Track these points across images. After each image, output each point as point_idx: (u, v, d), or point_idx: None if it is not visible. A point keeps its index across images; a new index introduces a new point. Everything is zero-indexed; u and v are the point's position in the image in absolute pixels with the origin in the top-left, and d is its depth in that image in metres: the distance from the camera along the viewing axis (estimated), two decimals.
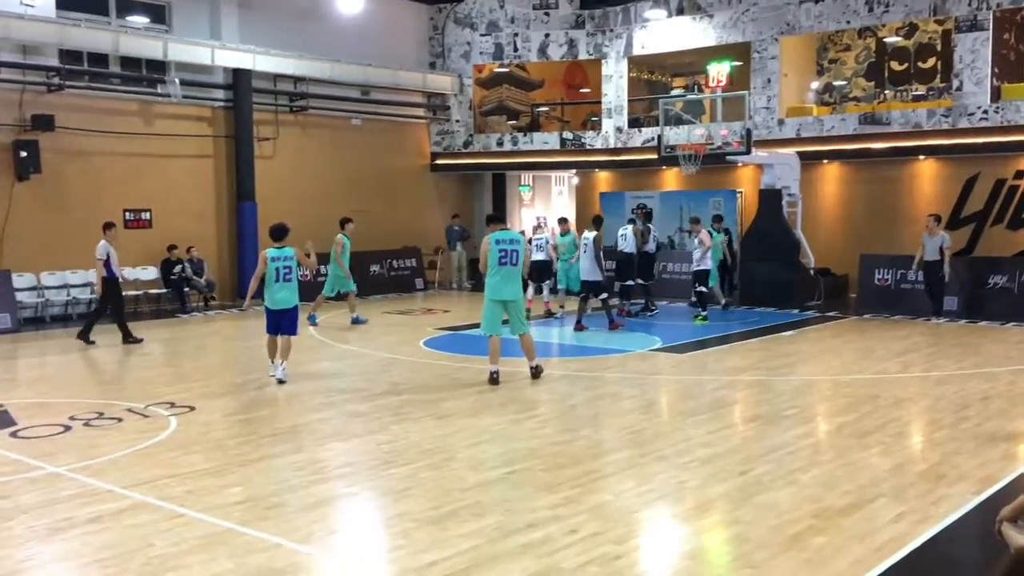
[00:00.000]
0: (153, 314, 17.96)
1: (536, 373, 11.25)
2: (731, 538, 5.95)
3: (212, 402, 10.14)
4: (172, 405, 9.74)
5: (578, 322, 15.27)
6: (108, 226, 14.44)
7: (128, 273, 18.20)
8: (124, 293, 17.87)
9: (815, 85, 22.32)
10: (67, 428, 8.79)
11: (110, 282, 14.20)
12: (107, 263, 13.99)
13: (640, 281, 17.12)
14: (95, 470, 7.34)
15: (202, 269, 19.05)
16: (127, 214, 18.47)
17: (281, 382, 11.04)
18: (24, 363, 13.63)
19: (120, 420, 9.13)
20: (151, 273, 18.51)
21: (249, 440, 8.44)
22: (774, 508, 6.33)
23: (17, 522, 6.24)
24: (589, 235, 15.12)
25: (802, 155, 19.30)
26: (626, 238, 16.82)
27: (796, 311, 17.27)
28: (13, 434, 8.61)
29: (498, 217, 12.04)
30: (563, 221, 17.87)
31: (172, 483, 6.98)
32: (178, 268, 18.42)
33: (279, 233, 11.40)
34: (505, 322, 11.29)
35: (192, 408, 9.64)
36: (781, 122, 20.31)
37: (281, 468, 7.46)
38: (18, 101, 16.79)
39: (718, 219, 18.57)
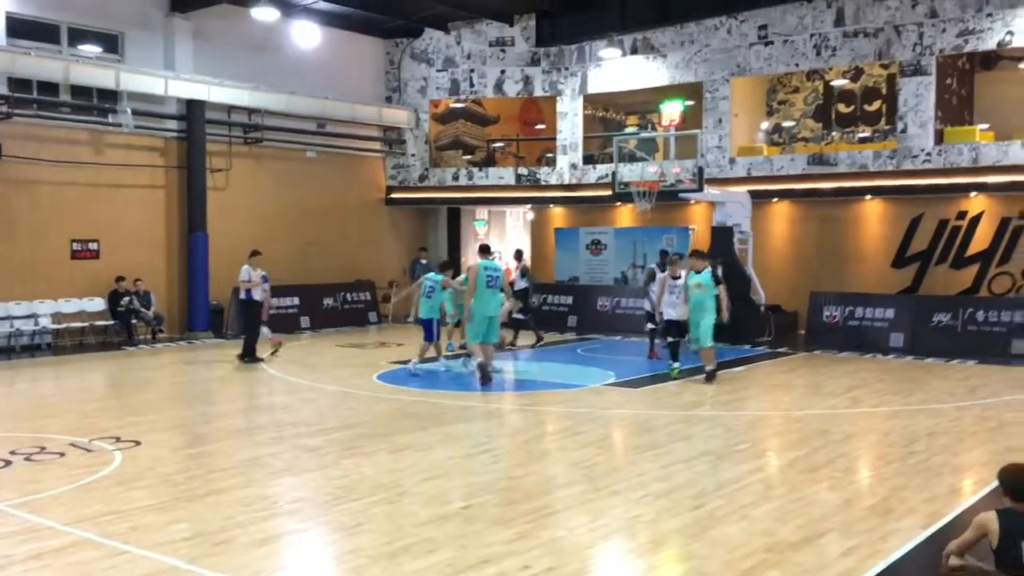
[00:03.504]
0: (100, 346, 17.60)
1: (486, 374, 13.09)
2: (686, 572, 5.95)
3: (159, 436, 9.93)
4: (117, 439, 9.51)
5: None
6: (254, 253, 15.57)
7: (75, 304, 17.88)
8: (69, 325, 17.62)
9: (765, 125, 22.80)
10: (7, 463, 8.53)
11: (250, 303, 15.38)
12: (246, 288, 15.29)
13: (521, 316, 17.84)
14: (36, 506, 7.12)
15: (149, 301, 18.73)
16: (75, 244, 18.14)
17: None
18: None
19: (63, 454, 8.88)
20: (98, 304, 18.14)
21: (196, 475, 8.26)
22: (727, 542, 6.34)
23: None
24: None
25: (753, 194, 19.64)
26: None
27: (747, 347, 17.47)
28: None
29: (487, 248, 14.55)
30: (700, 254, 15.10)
31: (116, 519, 6.80)
32: (125, 300, 18.10)
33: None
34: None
35: (138, 442, 9.42)
36: (732, 161, 20.68)
37: (229, 504, 7.31)
38: None
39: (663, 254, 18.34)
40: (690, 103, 21.71)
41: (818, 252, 20.21)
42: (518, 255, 18.94)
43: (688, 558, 6.13)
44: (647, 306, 16.62)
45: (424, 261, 23.26)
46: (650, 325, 16.20)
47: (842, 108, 22.24)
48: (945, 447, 9.44)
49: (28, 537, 6.39)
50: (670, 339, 14.10)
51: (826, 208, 20.06)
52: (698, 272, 13.44)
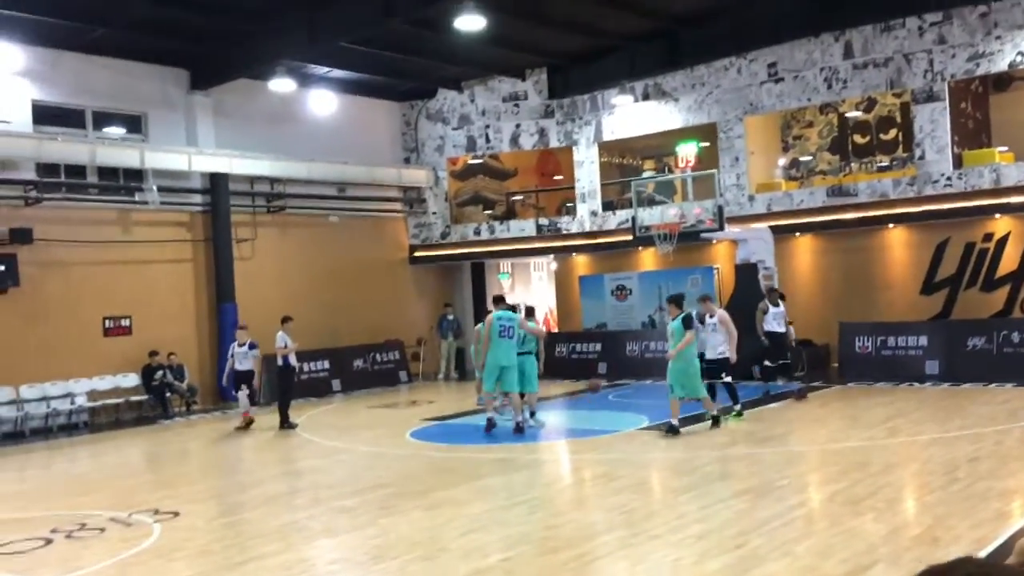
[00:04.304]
0: (135, 421, 17.73)
1: (519, 427, 13.20)
2: None
3: (197, 507, 9.97)
4: (156, 512, 9.55)
5: None
6: (285, 319, 15.76)
7: (109, 381, 18.09)
8: (105, 402, 17.81)
9: (782, 161, 22.85)
10: (48, 541, 8.59)
11: (287, 370, 15.65)
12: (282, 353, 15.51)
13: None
14: None
15: (183, 374, 18.92)
16: (107, 322, 18.41)
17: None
18: (3, 478, 13.37)
19: (103, 530, 8.93)
20: (132, 380, 18.34)
21: (235, 543, 8.27)
22: None
23: None
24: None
25: (774, 229, 19.62)
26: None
27: (780, 383, 17.30)
28: None
29: (501, 299, 14.38)
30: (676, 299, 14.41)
31: None
32: (159, 374, 18.29)
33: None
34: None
35: (176, 514, 9.46)
36: (751, 198, 20.70)
37: (269, 569, 7.30)
38: None
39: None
40: (705, 144, 21.83)
41: (845, 283, 20.07)
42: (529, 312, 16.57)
43: None
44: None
45: (451, 317, 23.39)
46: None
47: (858, 139, 22.26)
48: (989, 472, 9.27)
49: None
50: (716, 380, 13.67)
51: (850, 239, 19.97)
52: (674, 319, 12.76)
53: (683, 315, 12.60)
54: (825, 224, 19.70)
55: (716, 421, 12.81)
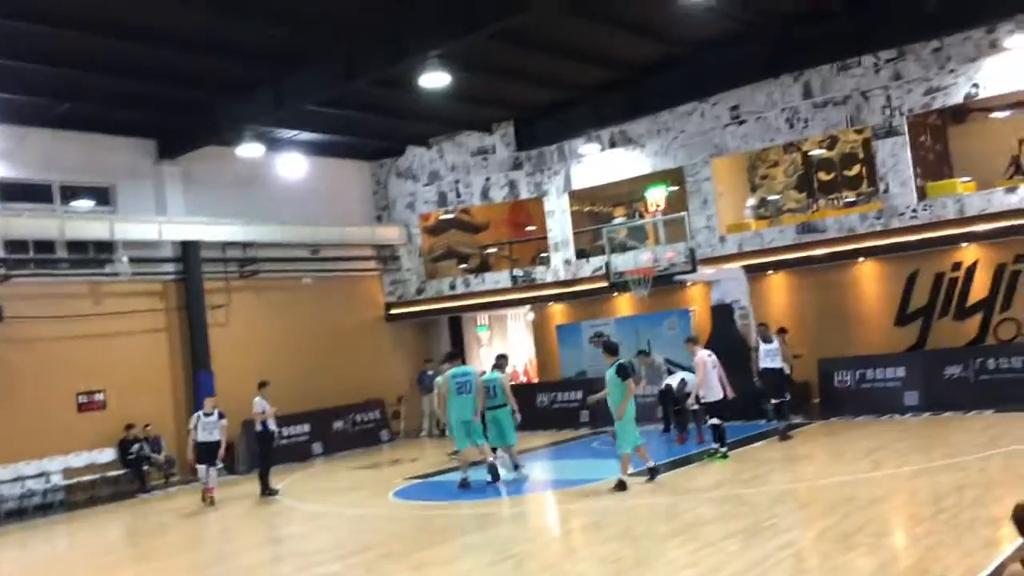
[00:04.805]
0: (112, 496, 17.36)
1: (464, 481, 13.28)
2: None
3: None
4: None
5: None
6: (262, 384, 15.70)
7: (84, 457, 17.76)
8: (80, 479, 17.46)
9: (751, 201, 23.09)
10: None
11: (266, 435, 15.47)
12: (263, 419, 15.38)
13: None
14: None
15: (159, 446, 18.61)
16: (80, 397, 18.13)
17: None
18: None
19: None
20: (108, 455, 18.00)
21: None
22: None
23: None
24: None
25: (747, 268, 19.77)
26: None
27: (762, 422, 17.27)
28: None
29: (454, 354, 14.70)
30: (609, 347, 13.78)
31: None
32: (136, 447, 17.98)
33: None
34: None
35: None
36: (722, 239, 20.87)
37: None
38: None
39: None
40: (674, 188, 22.03)
41: (820, 319, 20.19)
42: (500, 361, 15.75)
43: None
44: (675, 383, 16.47)
45: (431, 372, 23.19)
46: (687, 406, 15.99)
47: (823, 176, 22.58)
48: (975, 500, 9.26)
49: None
50: (716, 421, 13.84)
51: (821, 274, 20.14)
52: (609, 367, 12.33)
53: (618, 363, 12.20)
54: (796, 261, 19.86)
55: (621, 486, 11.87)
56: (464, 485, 13.37)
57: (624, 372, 12.06)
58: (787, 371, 16.21)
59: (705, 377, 13.87)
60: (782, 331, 17.18)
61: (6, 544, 14.04)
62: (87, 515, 16.02)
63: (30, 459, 16.98)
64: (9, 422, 16.81)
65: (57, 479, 17.21)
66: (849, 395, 18.06)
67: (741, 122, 20.42)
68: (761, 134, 20.29)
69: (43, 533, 14.76)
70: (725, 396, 13.98)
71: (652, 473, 12.28)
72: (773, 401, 15.79)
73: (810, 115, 19.58)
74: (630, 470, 12.09)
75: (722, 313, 19.14)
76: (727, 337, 18.76)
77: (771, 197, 23.26)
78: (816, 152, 22.47)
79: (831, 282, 20.12)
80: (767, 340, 15.80)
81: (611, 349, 12.57)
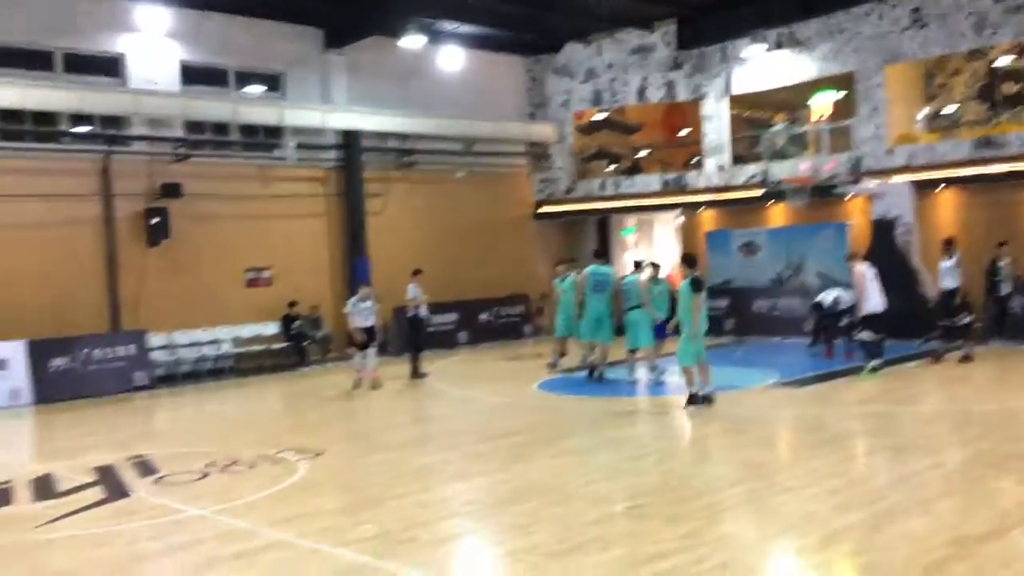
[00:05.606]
0: (275, 367, 18.62)
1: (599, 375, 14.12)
2: (865, 566, 5.81)
3: (337, 447, 10.50)
4: (300, 451, 10.08)
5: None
6: (416, 272, 16.19)
7: (252, 329, 19.03)
8: (248, 348, 18.77)
9: (924, 111, 21.78)
10: (205, 474, 9.22)
11: (417, 321, 16.15)
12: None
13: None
14: (235, 512, 7.68)
15: (319, 324, 19.72)
16: (249, 273, 19.34)
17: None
18: (161, 417, 14.38)
19: (253, 466, 9.52)
20: (272, 328, 19.24)
21: (376, 481, 8.70)
22: (908, 537, 6.17)
23: (168, 560, 6.63)
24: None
25: (914, 183, 18.81)
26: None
27: (918, 343, 16.68)
28: (156, 481, 9.10)
29: (598, 253, 15.76)
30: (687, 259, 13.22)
31: (307, 522, 7.25)
32: (297, 324, 19.12)
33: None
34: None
35: (319, 453, 9.97)
36: (890, 151, 19.85)
37: (409, 506, 7.65)
38: (148, 171, 17.90)
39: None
40: (841, 94, 21.00)
41: (990, 240, 19.05)
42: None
43: (867, 552, 5.99)
44: (829, 299, 16.04)
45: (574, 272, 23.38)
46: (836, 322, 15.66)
47: (1009, 87, 21.00)
48: None
49: (231, 539, 6.92)
50: (868, 335, 13.53)
51: (997, 193, 18.91)
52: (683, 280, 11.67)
53: (693, 276, 11.55)
54: (972, 177, 18.72)
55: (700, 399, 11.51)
56: (599, 378, 14.10)
57: (697, 285, 11.48)
58: (1006, 291, 15.53)
59: (864, 289, 13.48)
60: (948, 244, 16.12)
61: (184, 402, 15.38)
62: (252, 382, 17.28)
63: (205, 327, 18.36)
64: (188, 292, 18.15)
65: (227, 347, 18.56)
66: (1018, 320, 17.12)
67: (922, 26, 19.12)
68: (943, 39, 18.96)
69: (215, 395, 16.06)
70: (883, 310, 13.51)
71: (703, 399, 11.39)
72: (946, 323, 14.93)
73: (1001, 20, 18.12)
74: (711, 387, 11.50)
75: (883, 229, 18.37)
76: (887, 253, 18.02)
77: (948, 108, 21.86)
78: (1003, 61, 20.85)
79: (1007, 201, 18.86)
80: (949, 257, 14.86)
81: (689, 262, 11.96)
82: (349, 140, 20.62)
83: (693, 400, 11.37)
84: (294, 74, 20.26)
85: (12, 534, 7.41)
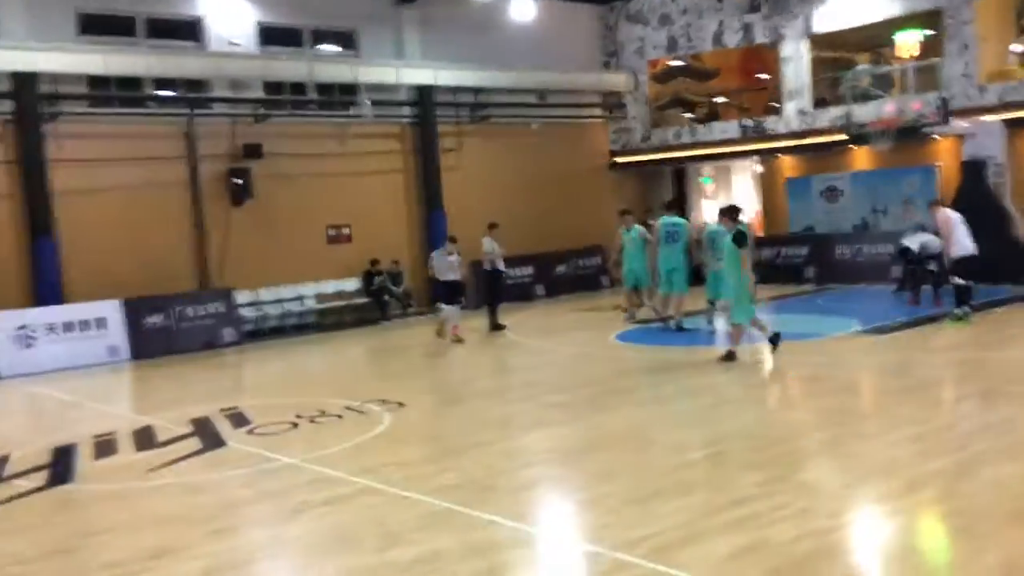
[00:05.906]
0: (357, 322, 19.04)
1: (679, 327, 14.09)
2: (950, 512, 5.77)
3: (420, 398, 10.76)
4: (384, 402, 10.36)
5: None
6: (492, 226, 16.20)
7: (333, 285, 19.47)
8: (330, 304, 19.22)
9: (1018, 48, 20.80)
10: (294, 425, 9.57)
11: (494, 274, 16.20)
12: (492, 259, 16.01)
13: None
14: (324, 460, 7.97)
15: (400, 279, 20.06)
16: (329, 230, 19.73)
17: None
18: (250, 371, 14.89)
19: (340, 416, 9.85)
20: (353, 284, 19.65)
21: (457, 431, 8.92)
22: (994, 484, 6.09)
23: (263, 505, 6.94)
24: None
25: (1007, 122, 18.06)
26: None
27: (1008, 287, 16.15)
28: (249, 431, 9.48)
29: (669, 204, 15.83)
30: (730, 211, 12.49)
31: (393, 469, 7.50)
32: (378, 279, 19.48)
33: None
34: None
35: (402, 404, 10.23)
36: (981, 89, 19.05)
37: (490, 455, 7.84)
38: (230, 133, 18.33)
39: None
40: (928, 32, 20.19)
41: None
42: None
43: (951, 499, 5.93)
44: (916, 245, 15.54)
45: (652, 222, 23.20)
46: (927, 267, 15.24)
47: None
48: None
49: (321, 486, 7.20)
50: (961, 281, 13.08)
51: None
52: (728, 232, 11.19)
53: (736, 229, 11.05)
54: None
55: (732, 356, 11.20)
56: (677, 328, 14.10)
57: (742, 239, 10.92)
58: None
59: (952, 232, 13.06)
60: None
61: (270, 356, 15.88)
62: (336, 337, 17.71)
63: (288, 284, 18.85)
64: (271, 250, 18.63)
65: (311, 303, 19.04)
66: None
67: None
68: None
69: (300, 349, 16.54)
70: (973, 254, 13.08)
71: (772, 339, 11.05)
72: None
73: None
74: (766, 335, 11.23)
75: (973, 170, 17.73)
76: (977, 195, 17.45)
77: None
78: None
79: None
80: None
81: (731, 214, 11.33)
82: (423, 95, 20.71)
83: (730, 357, 11.04)
84: (367, 31, 20.38)
85: (117, 482, 7.85)
